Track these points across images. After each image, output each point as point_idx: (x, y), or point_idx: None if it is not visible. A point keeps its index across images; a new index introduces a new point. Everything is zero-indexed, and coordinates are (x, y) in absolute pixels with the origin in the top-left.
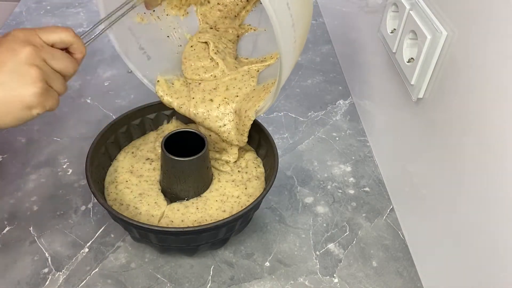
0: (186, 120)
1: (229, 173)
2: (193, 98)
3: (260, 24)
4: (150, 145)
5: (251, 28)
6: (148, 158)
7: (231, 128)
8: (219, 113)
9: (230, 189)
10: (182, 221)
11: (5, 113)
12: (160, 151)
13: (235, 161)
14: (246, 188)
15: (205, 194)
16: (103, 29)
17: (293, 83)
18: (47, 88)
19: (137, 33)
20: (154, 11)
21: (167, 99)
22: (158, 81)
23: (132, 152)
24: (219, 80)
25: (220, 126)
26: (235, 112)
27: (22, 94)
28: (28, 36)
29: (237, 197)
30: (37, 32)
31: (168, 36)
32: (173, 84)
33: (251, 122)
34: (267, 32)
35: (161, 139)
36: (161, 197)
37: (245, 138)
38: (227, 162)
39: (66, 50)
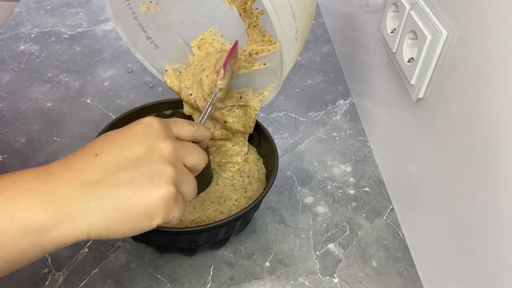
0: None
1: (230, 178)
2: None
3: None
4: None
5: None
6: None
7: (237, 117)
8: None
9: (228, 193)
10: (180, 221)
11: (122, 220)
12: None
13: (240, 165)
14: (246, 192)
15: (201, 194)
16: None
17: (293, 83)
18: (177, 194)
19: (144, 23)
20: (161, 10)
21: (175, 88)
22: (166, 70)
23: None
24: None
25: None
26: (240, 98)
27: (149, 198)
28: (165, 128)
29: (236, 200)
30: (169, 124)
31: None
32: (180, 72)
33: (257, 112)
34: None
35: None
36: None
37: (250, 129)
38: (236, 162)
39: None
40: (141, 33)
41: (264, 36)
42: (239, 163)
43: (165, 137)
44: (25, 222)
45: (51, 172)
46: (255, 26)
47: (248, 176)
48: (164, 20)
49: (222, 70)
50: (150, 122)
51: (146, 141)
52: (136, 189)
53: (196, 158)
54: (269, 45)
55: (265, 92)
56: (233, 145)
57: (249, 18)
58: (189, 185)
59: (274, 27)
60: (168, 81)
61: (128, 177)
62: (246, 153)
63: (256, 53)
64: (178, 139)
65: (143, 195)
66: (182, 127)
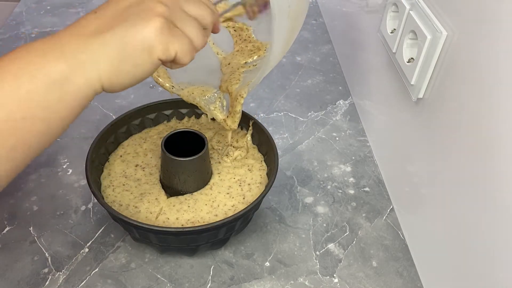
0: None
1: (226, 187)
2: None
3: None
4: (136, 148)
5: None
6: (137, 165)
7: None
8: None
9: (222, 199)
10: (177, 218)
11: (123, 59)
12: (146, 155)
13: (241, 175)
14: (244, 198)
15: (195, 193)
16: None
17: (293, 83)
18: (172, 27)
19: None
20: None
21: (160, 80)
22: None
23: (121, 156)
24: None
25: (206, 105)
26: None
27: (140, 31)
28: None
29: (232, 206)
30: None
31: None
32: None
33: (243, 99)
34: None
35: (146, 142)
36: (162, 192)
37: (237, 117)
38: (232, 146)
39: None
40: None
41: (251, 44)
42: (241, 174)
43: None
44: (44, 78)
45: (57, 34)
46: (245, 40)
47: (249, 184)
48: None
49: None
50: None
51: None
52: (128, 26)
53: (200, 8)
54: (259, 50)
55: (253, 79)
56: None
57: (239, 34)
58: (190, 26)
59: None
60: (153, 73)
61: (121, 18)
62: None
63: (245, 62)
64: None
65: (135, 30)
66: None
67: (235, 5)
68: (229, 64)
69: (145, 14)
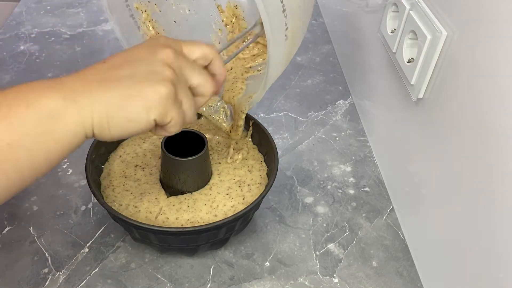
0: None
1: (226, 188)
2: None
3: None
4: (135, 148)
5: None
6: (137, 165)
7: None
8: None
9: (221, 199)
10: (176, 218)
11: (120, 108)
12: (145, 156)
13: (241, 176)
14: (244, 199)
15: (195, 193)
16: (234, 52)
17: (293, 83)
18: (175, 96)
19: (140, 21)
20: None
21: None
22: None
23: (120, 156)
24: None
25: (211, 115)
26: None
27: (146, 89)
28: (171, 42)
29: (232, 206)
30: (180, 42)
31: (175, 22)
32: None
33: (244, 115)
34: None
35: (146, 143)
36: (162, 192)
37: (239, 130)
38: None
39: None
40: (136, 30)
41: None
42: (241, 175)
43: (169, 46)
44: (38, 108)
45: (63, 77)
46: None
47: (249, 185)
48: (162, 21)
49: None
50: (158, 36)
51: (150, 48)
52: (135, 82)
53: (202, 79)
54: (264, 53)
55: (253, 95)
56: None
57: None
58: (188, 100)
59: (261, 17)
60: None
61: (128, 73)
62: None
63: (250, 67)
64: (188, 55)
65: (141, 87)
66: (194, 46)
67: (252, 41)
68: (231, 69)
69: (155, 76)
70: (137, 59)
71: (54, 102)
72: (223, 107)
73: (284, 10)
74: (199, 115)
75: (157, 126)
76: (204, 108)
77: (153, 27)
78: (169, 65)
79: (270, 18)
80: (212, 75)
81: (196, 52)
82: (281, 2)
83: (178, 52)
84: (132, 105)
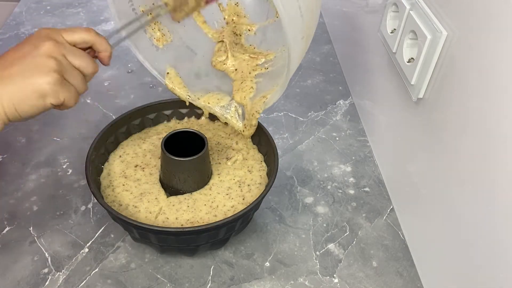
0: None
1: (226, 188)
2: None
3: (268, 14)
4: (136, 149)
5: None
6: (137, 165)
7: (236, 117)
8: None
9: (221, 200)
10: (176, 218)
11: (21, 99)
12: (145, 156)
13: (241, 177)
14: (244, 199)
15: (194, 193)
16: (126, 35)
17: (293, 83)
18: (62, 80)
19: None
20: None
21: (176, 90)
22: (168, 73)
23: (120, 156)
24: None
25: (223, 114)
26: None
27: (37, 82)
28: (51, 34)
29: (232, 207)
30: (60, 31)
31: (178, 22)
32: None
33: (259, 114)
34: (276, 23)
35: (146, 143)
36: (162, 192)
37: (253, 128)
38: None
39: (91, 51)
40: (142, 33)
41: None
42: (241, 176)
43: (49, 38)
44: None
45: None
46: (237, 44)
47: (249, 185)
48: (167, 22)
49: None
50: (42, 31)
51: (32, 43)
52: (25, 77)
53: (82, 61)
54: (266, 55)
55: (268, 95)
56: (236, 142)
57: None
58: (76, 78)
59: (283, 25)
60: (169, 84)
61: (18, 69)
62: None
63: (257, 64)
64: (70, 41)
65: (31, 81)
66: (72, 33)
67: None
68: (236, 70)
69: (40, 68)
70: (23, 55)
71: None
72: (235, 106)
73: (301, 15)
74: (199, 115)
75: (57, 106)
76: (217, 109)
77: (158, 30)
78: (51, 55)
79: (290, 24)
80: (98, 53)
81: (74, 36)
82: (299, 8)
83: (60, 42)
84: (30, 95)
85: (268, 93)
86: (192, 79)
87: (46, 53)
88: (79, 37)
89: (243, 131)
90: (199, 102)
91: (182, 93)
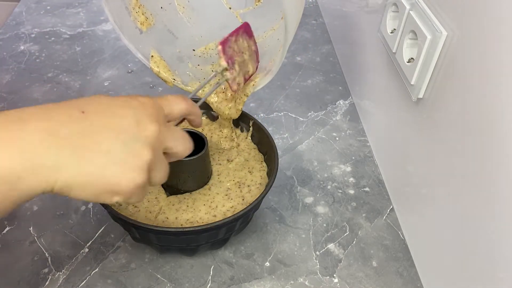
0: None
1: (225, 188)
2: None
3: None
4: None
5: None
6: None
7: (221, 100)
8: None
9: (221, 200)
10: (176, 218)
11: (87, 185)
12: None
13: (241, 177)
14: (243, 199)
15: (194, 193)
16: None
17: (293, 83)
18: (146, 183)
19: (130, 6)
20: None
21: (162, 74)
22: (152, 56)
23: None
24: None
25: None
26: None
27: (120, 177)
28: (156, 112)
29: (231, 207)
30: (158, 102)
31: (161, 7)
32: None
33: (246, 98)
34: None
35: None
36: (162, 191)
37: (237, 112)
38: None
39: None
40: (127, 16)
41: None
42: (241, 176)
43: (155, 119)
44: None
45: (24, 118)
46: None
47: (248, 185)
48: (149, 5)
49: (220, 47)
50: (146, 101)
51: (136, 116)
52: (110, 162)
53: (180, 146)
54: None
55: (256, 79)
56: (220, 131)
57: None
58: (161, 173)
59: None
60: (154, 67)
61: (107, 145)
62: (235, 138)
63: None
64: (169, 116)
65: (114, 171)
66: (173, 105)
67: (216, 85)
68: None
69: (133, 160)
70: (120, 128)
71: (10, 163)
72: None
73: None
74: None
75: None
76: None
77: (142, 13)
78: (152, 145)
79: None
80: (190, 121)
81: (174, 112)
82: None
83: (162, 124)
84: (98, 187)
85: (257, 77)
86: (176, 63)
87: (148, 142)
88: (179, 111)
89: (225, 112)
90: (185, 87)
91: (168, 76)
